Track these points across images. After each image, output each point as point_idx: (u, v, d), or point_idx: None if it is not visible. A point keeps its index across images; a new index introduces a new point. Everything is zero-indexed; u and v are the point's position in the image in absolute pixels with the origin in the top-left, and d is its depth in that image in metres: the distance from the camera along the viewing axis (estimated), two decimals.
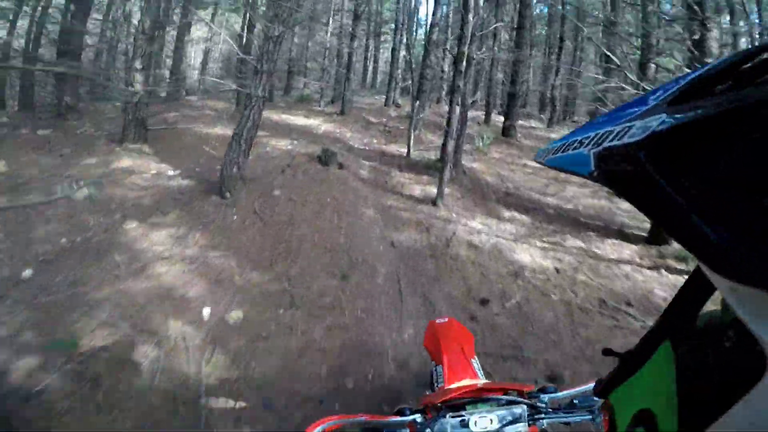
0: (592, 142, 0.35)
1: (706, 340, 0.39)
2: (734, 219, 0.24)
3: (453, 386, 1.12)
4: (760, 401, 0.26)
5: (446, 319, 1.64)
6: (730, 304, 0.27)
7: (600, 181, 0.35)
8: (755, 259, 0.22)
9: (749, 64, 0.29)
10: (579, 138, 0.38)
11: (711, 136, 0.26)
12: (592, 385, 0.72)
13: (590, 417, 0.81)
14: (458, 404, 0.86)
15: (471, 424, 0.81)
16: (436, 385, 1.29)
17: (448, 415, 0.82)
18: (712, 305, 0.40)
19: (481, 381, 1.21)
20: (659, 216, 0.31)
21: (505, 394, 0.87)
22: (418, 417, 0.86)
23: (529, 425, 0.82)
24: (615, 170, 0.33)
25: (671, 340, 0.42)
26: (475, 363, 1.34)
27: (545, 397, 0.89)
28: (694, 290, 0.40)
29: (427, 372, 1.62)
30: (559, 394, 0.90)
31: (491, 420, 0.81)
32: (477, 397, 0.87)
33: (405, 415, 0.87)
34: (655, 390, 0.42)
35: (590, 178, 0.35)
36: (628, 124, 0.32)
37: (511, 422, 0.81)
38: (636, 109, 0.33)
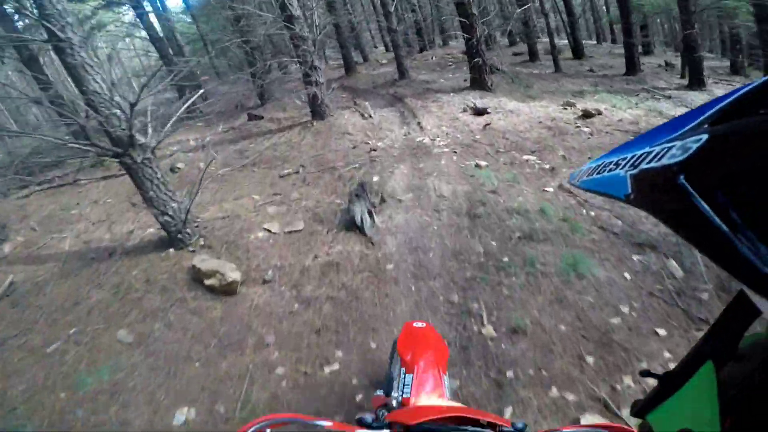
0: (629, 164, 0.34)
1: (749, 363, 0.38)
2: None
3: (423, 403, 1.08)
4: None
5: (423, 324, 1.51)
6: None
7: (637, 205, 0.33)
8: None
9: None
10: (615, 159, 0.37)
11: (754, 158, 0.25)
12: (572, 430, 0.75)
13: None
14: (433, 429, 0.79)
15: None
16: (399, 392, 1.16)
17: None
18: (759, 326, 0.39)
19: (452, 403, 1.09)
20: (701, 241, 0.28)
21: (478, 424, 0.81)
22: None
23: None
24: (653, 193, 0.31)
25: (714, 360, 0.41)
26: (446, 380, 1.25)
27: None
28: (739, 312, 0.40)
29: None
30: None
31: None
32: (452, 426, 0.80)
33: (367, 425, 0.80)
34: (697, 410, 0.41)
35: (627, 202, 0.34)
36: (667, 145, 0.31)
37: None
38: (676, 129, 0.32)
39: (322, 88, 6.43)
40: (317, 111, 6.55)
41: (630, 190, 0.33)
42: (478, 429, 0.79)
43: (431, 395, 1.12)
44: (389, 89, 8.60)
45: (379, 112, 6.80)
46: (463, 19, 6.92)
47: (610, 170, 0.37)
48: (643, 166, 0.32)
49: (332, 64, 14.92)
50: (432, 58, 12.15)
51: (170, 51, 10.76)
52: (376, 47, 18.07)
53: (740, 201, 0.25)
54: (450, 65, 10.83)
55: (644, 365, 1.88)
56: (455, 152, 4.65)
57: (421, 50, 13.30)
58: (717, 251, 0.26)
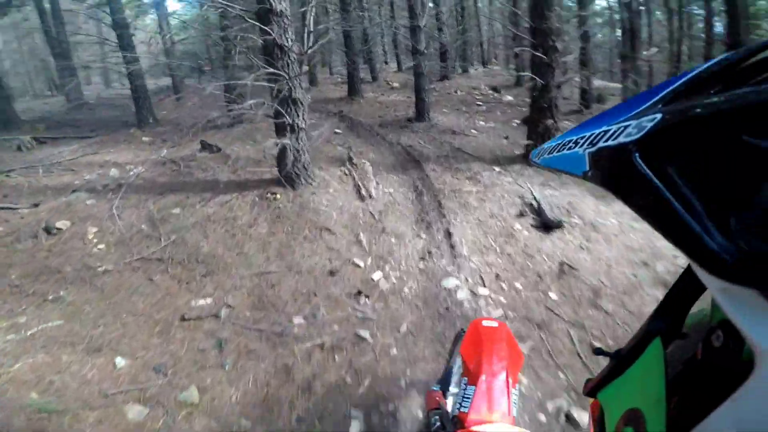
0: (587, 142, 0.35)
1: (695, 340, 0.38)
2: (726, 219, 0.23)
3: (481, 428, 0.90)
4: (746, 401, 0.25)
5: (496, 324, 1.24)
6: (720, 303, 0.26)
7: (595, 181, 0.35)
8: (746, 259, 0.22)
9: (746, 63, 0.29)
10: (574, 138, 0.38)
11: (704, 137, 0.26)
12: None
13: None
14: None
15: None
16: (457, 403, 1.02)
17: None
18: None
19: (510, 428, 0.91)
20: (652, 216, 0.29)
21: None
22: None
23: None
24: (610, 170, 0.33)
25: (662, 338, 0.41)
26: (515, 394, 1.05)
27: None
28: (685, 289, 0.41)
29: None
30: None
31: None
32: None
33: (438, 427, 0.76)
34: (645, 389, 0.41)
35: (585, 178, 0.36)
36: (624, 124, 0.32)
37: None
38: (632, 109, 0.33)
39: (301, 138, 4.04)
40: (288, 176, 4.07)
41: (588, 168, 0.35)
42: None
43: (493, 413, 0.99)
44: (402, 136, 6.27)
45: (385, 186, 4.38)
46: (539, 54, 4.25)
47: (570, 148, 0.38)
48: (601, 144, 0.33)
49: (336, 79, 12.69)
50: (456, 91, 9.92)
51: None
52: (386, 63, 15.81)
53: (690, 178, 0.26)
54: (479, 105, 8.61)
55: None
56: (521, 340, 2.31)
57: (442, 78, 11.09)
58: (668, 226, 0.27)
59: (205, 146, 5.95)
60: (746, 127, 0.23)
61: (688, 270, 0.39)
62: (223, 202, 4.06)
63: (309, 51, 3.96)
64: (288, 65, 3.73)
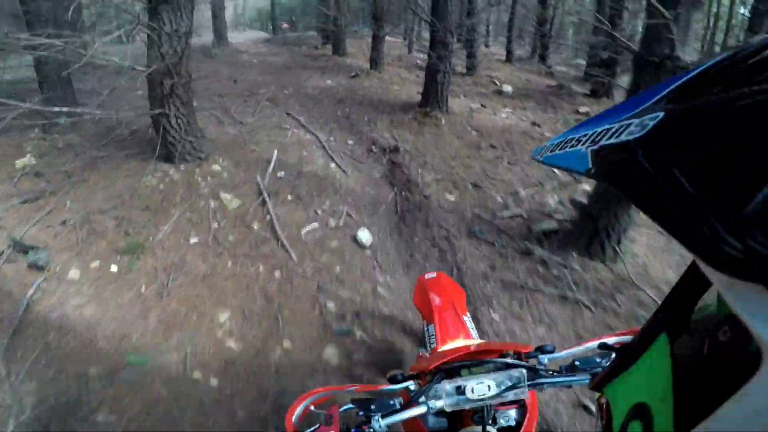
0: (590, 140, 0.36)
1: (701, 335, 0.39)
2: (730, 213, 0.23)
3: (446, 347, 1.12)
4: (753, 397, 0.25)
5: (435, 275, 1.54)
6: (726, 298, 0.26)
7: (597, 179, 0.36)
8: (751, 254, 0.22)
9: (753, 60, 0.28)
10: (576, 136, 0.39)
11: (706, 134, 0.26)
12: (593, 343, 0.79)
13: (592, 378, 0.72)
14: (453, 368, 0.80)
15: (468, 391, 0.74)
16: (428, 345, 1.23)
17: (443, 381, 0.76)
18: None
19: (476, 341, 1.16)
20: (657, 212, 0.29)
21: (501, 356, 0.83)
22: (411, 384, 0.81)
23: (528, 389, 0.76)
24: (612, 168, 0.33)
25: (668, 333, 0.41)
26: (468, 320, 1.28)
27: (544, 358, 0.83)
28: (691, 284, 0.40)
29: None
30: (559, 354, 0.84)
31: (489, 386, 0.75)
32: (473, 360, 0.82)
33: (397, 382, 0.82)
34: (651, 384, 0.41)
35: (587, 176, 0.36)
36: (626, 122, 0.32)
37: (510, 387, 0.75)
38: (635, 107, 0.33)
39: None
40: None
41: (590, 165, 0.35)
42: (498, 360, 0.80)
43: (455, 339, 1.16)
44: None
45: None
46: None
47: (572, 146, 0.38)
48: (603, 142, 0.34)
49: (413, 59, 8.66)
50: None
51: None
52: (487, 46, 11.32)
53: (694, 175, 0.26)
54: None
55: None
56: None
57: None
58: (673, 224, 0.27)
59: None
60: (750, 125, 0.23)
61: (693, 265, 0.37)
62: None
63: None
64: None
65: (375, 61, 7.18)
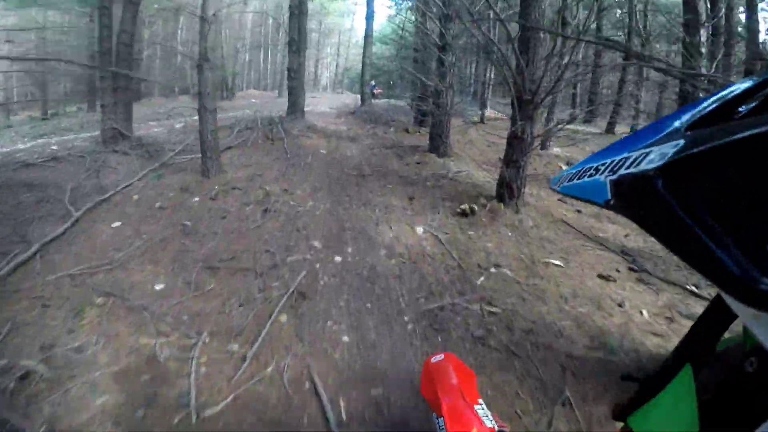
0: (609, 169, 0.34)
1: (727, 366, 0.38)
2: (755, 247, 0.23)
3: None
4: None
5: (442, 356, 1.37)
6: (752, 330, 0.26)
7: (617, 211, 0.34)
8: None
9: None
10: (595, 164, 0.37)
11: (728, 164, 0.25)
12: None
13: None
14: None
15: None
16: None
17: None
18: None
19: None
20: (678, 246, 0.28)
21: None
22: None
23: None
24: (632, 199, 0.32)
25: (692, 364, 0.41)
26: (480, 408, 1.16)
27: None
28: (715, 316, 0.41)
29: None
30: None
31: None
32: None
33: None
34: (676, 413, 0.41)
35: (606, 208, 0.34)
36: (645, 150, 0.31)
37: None
38: (654, 134, 0.32)
39: None
40: None
41: (610, 196, 0.34)
42: None
43: (468, 429, 1.09)
44: None
45: None
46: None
47: (590, 176, 0.37)
48: (622, 171, 0.33)
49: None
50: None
51: None
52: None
53: (716, 206, 0.25)
54: None
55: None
56: None
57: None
58: (694, 256, 0.26)
59: None
60: None
61: (718, 298, 0.38)
62: None
63: None
64: None
65: (510, 187, 3.65)
